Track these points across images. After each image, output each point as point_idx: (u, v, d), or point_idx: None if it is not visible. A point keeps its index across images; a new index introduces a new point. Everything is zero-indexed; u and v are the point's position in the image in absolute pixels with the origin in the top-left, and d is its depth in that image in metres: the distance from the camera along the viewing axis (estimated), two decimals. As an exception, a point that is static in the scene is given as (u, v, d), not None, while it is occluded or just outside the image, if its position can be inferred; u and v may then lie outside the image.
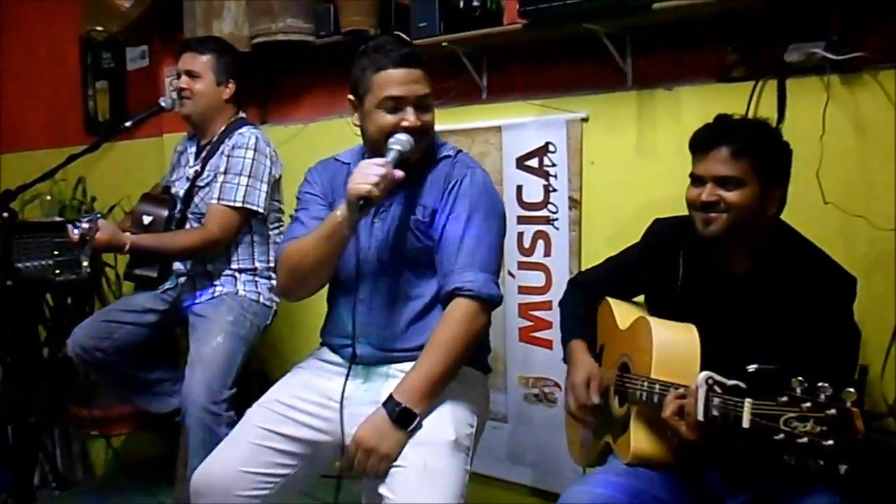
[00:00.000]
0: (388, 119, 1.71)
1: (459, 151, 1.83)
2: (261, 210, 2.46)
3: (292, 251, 1.79)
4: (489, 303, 1.70)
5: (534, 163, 2.48)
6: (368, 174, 1.60)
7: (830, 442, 1.18)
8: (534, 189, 2.49)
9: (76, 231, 2.28)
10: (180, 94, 2.55)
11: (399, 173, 1.64)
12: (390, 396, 1.64)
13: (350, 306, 1.78)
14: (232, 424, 2.22)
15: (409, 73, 1.71)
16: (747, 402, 1.32)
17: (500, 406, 2.59)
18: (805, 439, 1.20)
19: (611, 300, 1.89)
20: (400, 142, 1.68)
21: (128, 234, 2.36)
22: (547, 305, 2.48)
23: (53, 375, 2.93)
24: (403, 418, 1.62)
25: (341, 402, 1.73)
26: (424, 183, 1.78)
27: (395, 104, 1.70)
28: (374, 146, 1.76)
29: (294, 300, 2.23)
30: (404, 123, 1.70)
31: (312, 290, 1.85)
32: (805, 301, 1.56)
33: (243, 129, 2.52)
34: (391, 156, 1.66)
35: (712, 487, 1.62)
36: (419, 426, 1.64)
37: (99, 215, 2.33)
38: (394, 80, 1.70)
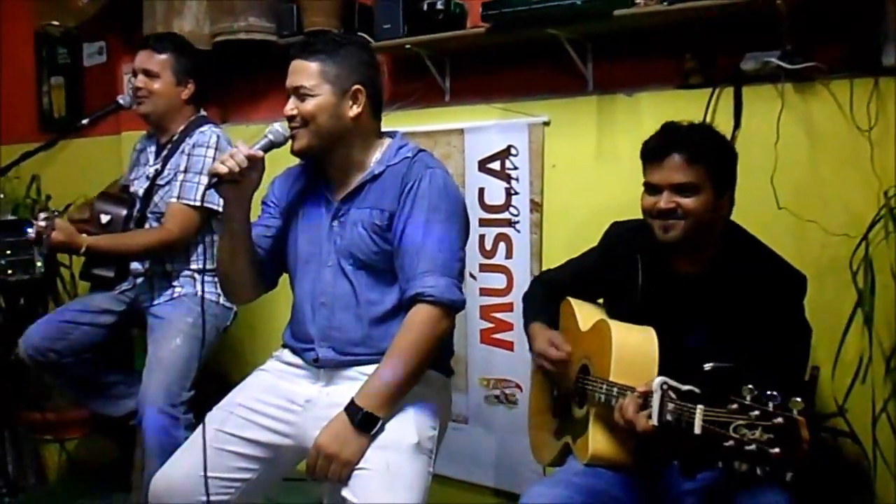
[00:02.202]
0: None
1: (420, 151, 1.81)
2: (221, 209, 2.43)
3: (219, 256, 1.88)
4: (451, 308, 1.70)
5: (496, 166, 2.50)
6: (226, 157, 1.67)
7: (777, 450, 1.20)
8: (496, 192, 2.50)
9: (31, 229, 2.23)
10: (137, 92, 2.50)
11: (258, 153, 1.69)
12: (352, 401, 1.63)
13: (312, 310, 1.78)
14: (190, 427, 2.21)
15: (293, 63, 1.75)
16: (699, 408, 1.34)
17: (460, 407, 2.60)
18: (753, 447, 1.23)
19: (573, 301, 1.91)
20: (272, 130, 1.73)
21: (84, 234, 2.31)
22: (508, 307, 2.50)
23: (5, 377, 2.86)
24: (365, 423, 1.61)
25: None
26: (383, 185, 1.76)
27: (287, 94, 1.76)
28: None
29: (238, 303, 2.22)
30: (285, 111, 1.74)
31: (247, 290, 1.85)
32: (758, 299, 1.60)
33: (204, 128, 2.48)
34: (261, 142, 1.72)
35: (669, 486, 1.65)
36: (381, 430, 1.63)
37: (56, 213, 2.28)
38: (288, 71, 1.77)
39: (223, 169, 1.65)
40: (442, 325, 1.69)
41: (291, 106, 1.73)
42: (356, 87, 1.74)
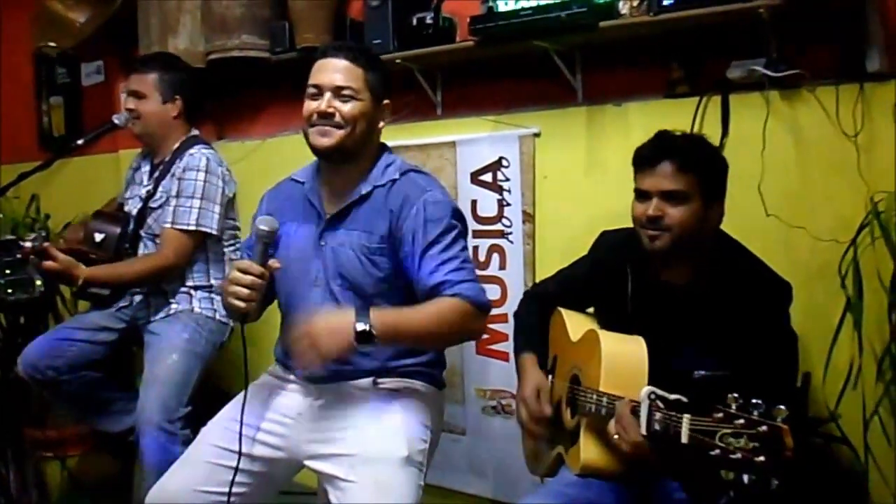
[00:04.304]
0: (309, 105, 1.72)
1: (406, 172, 1.80)
2: (214, 232, 2.46)
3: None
4: (486, 310, 1.69)
5: (488, 177, 2.51)
6: (236, 289, 1.59)
7: (762, 458, 1.21)
8: (488, 203, 2.52)
9: (17, 251, 2.25)
10: (130, 114, 2.53)
11: (264, 269, 1.60)
12: (368, 310, 1.58)
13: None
14: (187, 443, 2.20)
15: (334, 62, 1.72)
16: (685, 417, 1.35)
17: (458, 419, 2.61)
18: (738, 455, 1.23)
19: (563, 311, 1.91)
20: (261, 232, 1.62)
21: (82, 267, 2.31)
22: (503, 318, 2.50)
23: (6, 396, 2.88)
24: (364, 336, 1.55)
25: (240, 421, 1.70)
26: (370, 207, 1.76)
27: (317, 91, 1.72)
28: (306, 137, 1.77)
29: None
30: (320, 108, 1.70)
31: (255, 320, 1.85)
32: (745, 309, 1.61)
33: (193, 150, 2.50)
34: (257, 252, 1.62)
35: (661, 495, 1.66)
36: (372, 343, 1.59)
37: (44, 234, 2.30)
38: (318, 67, 1.73)
39: (245, 305, 1.60)
40: (476, 322, 1.68)
41: (330, 104, 1.70)
42: (386, 101, 1.77)
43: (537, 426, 1.79)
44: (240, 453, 1.68)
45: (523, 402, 1.81)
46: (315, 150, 1.74)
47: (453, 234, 1.72)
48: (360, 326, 1.54)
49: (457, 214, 1.77)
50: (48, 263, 2.23)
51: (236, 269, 1.61)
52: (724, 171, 1.71)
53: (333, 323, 1.56)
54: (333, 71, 1.71)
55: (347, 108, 1.70)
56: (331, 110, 1.70)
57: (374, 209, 1.75)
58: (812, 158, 2.02)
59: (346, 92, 1.70)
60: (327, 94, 1.70)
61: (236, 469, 1.67)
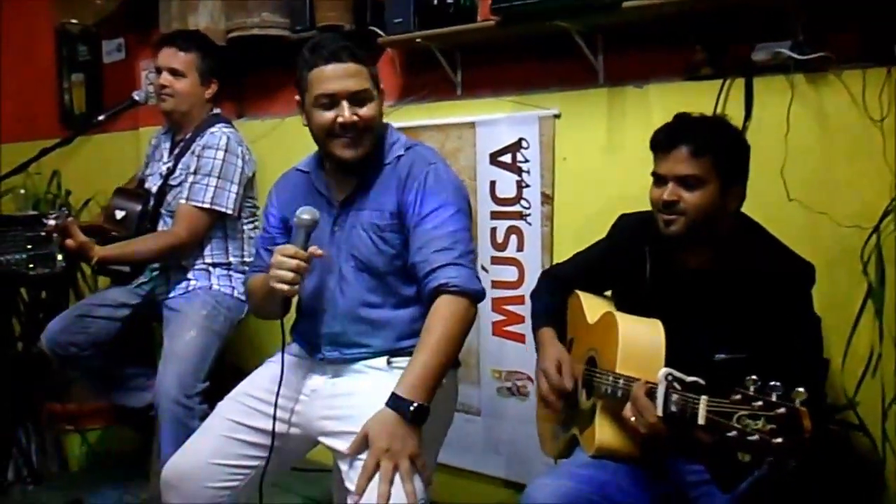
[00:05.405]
0: (325, 116, 1.69)
1: (411, 147, 1.80)
2: (229, 211, 2.47)
3: (252, 290, 1.89)
4: (475, 297, 1.70)
5: (507, 159, 2.50)
6: (283, 273, 1.59)
7: (779, 440, 1.21)
8: (507, 185, 2.51)
9: (41, 228, 2.28)
10: (161, 90, 2.53)
11: (316, 252, 1.63)
12: (399, 397, 1.57)
13: (317, 317, 1.80)
14: (205, 418, 2.22)
15: (341, 67, 1.68)
16: (703, 399, 1.35)
17: (473, 399, 2.62)
18: (756, 436, 1.23)
19: (581, 294, 1.91)
20: (303, 221, 1.63)
21: (97, 247, 2.34)
22: (520, 300, 2.51)
23: (28, 370, 2.93)
24: (419, 415, 1.57)
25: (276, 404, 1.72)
26: (379, 184, 1.76)
27: (330, 101, 1.69)
28: (320, 145, 1.77)
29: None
30: (339, 120, 1.68)
31: (278, 314, 1.84)
32: (766, 291, 1.59)
33: (215, 129, 2.51)
34: (300, 239, 1.63)
35: (675, 477, 1.66)
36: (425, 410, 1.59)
37: (66, 211, 2.32)
38: (325, 76, 1.68)
39: (295, 290, 1.62)
40: (469, 314, 1.68)
41: (353, 112, 1.68)
42: (381, 85, 1.76)
43: (557, 399, 1.78)
44: (273, 434, 1.70)
45: (544, 374, 1.80)
46: (340, 161, 1.73)
47: (451, 210, 1.71)
48: (407, 409, 1.55)
49: (458, 191, 1.76)
50: (68, 241, 2.25)
51: (280, 254, 1.61)
52: (744, 153, 1.69)
53: (389, 430, 1.55)
54: (344, 77, 1.68)
55: (365, 111, 1.70)
56: (354, 119, 1.68)
57: (382, 187, 1.75)
58: (836, 143, 1.98)
59: (362, 96, 1.69)
60: (344, 103, 1.68)
61: (271, 448, 1.70)
